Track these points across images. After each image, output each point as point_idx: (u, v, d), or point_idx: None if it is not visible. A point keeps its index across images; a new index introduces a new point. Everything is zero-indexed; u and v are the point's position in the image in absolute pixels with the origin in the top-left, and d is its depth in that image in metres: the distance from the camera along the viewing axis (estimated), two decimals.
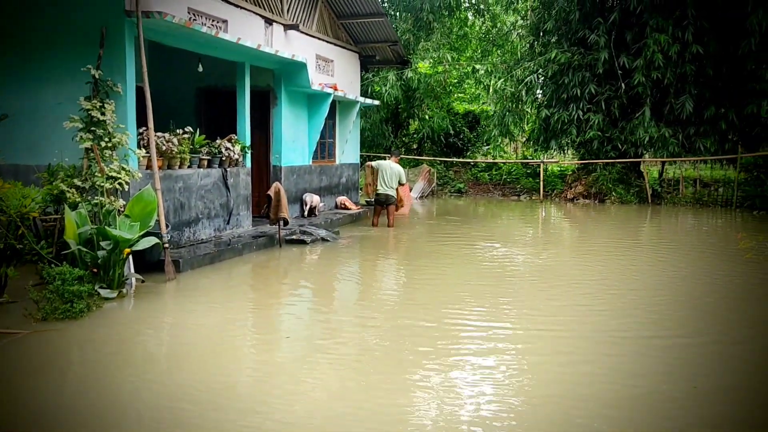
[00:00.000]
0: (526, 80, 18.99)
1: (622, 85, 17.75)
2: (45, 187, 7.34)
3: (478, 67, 22.14)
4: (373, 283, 8.19)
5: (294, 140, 12.22)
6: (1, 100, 8.43)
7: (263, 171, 11.94)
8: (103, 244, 6.59)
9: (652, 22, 17.24)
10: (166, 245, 7.67)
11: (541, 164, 20.56)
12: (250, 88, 10.60)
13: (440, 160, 23.76)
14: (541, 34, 20.04)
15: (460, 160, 24.32)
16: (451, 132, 25.39)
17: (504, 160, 24.02)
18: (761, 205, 15.95)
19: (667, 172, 20.01)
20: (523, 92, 20.33)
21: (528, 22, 20.97)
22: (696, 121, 17.83)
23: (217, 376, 4.44)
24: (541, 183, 20.05)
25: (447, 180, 23.09)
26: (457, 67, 22.81)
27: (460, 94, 27.99)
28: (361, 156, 16.22)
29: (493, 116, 21.67)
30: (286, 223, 10.11)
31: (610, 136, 18.72)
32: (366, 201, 13.26)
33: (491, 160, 23.82)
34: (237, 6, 10.22)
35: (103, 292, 6.49)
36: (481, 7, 24.81)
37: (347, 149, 14.83)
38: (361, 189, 15.57)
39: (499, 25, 25.19)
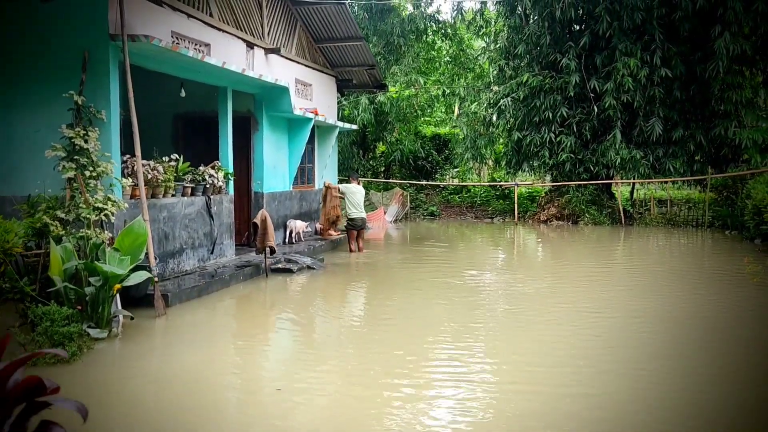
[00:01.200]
0: (500, 104, 19.01)
1: (595, 108, 17.94)
2: (26, 220, 6.90)
3: (447, 90, 22.20)
4: (361, 320, 7.80)
5: (275, 166, 11.93)
6: None
7: (243, 198, 11.59)
8: (92, 280, 6.19)
9: (621, 46, 17.54)
10: (156, 279, 7.28)
11: (515, 187, 20.58)
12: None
13: (412, 183, 23.65)
14: (512, 57, 20.18)
15: (432, 183, 24.27)
16: (421, 155, 25.38)
17: (476, 183, 24.06)
18: (733, 225, 16.21)
19: (638, 192, 20.29)
20: (494, 115, 20.44)
21: (499, 45, 21.09)
22: (664, 143, 18.14)
23: None
24: (515, 205, 20.08)
25: (419, 203, 23.01)
26: (427, 90, 22.82)
27: (426, 118, 28.06)
28: (339, 180, 15.94)
29: (464, 139, 21.68)
30: (273, 251, 9.78)
31: (582, 158, 18.90)
32: (345, 225, 12.77)
33: (463, 183, 23.82)
34: (220, 30, 9.95)
35: (93, 332, 6.08)
36: (449, 31, 24.94)
37: (326, 174, 14.57)
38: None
39: (466, 49, 25.37)
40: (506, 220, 20.81)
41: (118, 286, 6.34)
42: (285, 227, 12.35)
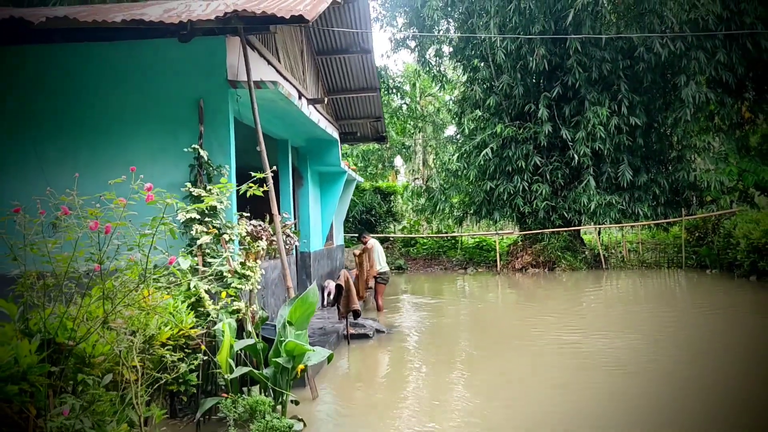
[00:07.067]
0: (482, 154, 18.99)
1: (575, 155, 18.32)
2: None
3: (408, 143, 22.14)
4: (490, 395, 7.28)
5: (315, 223, 11.14)
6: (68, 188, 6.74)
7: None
8: (280, 360, 5.26)
9: (590, 96, 18.24)
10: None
11: (496, 237, 20.64)
12: (274, 168, 9.50)
13: (397, 236, 23.21)
14: (480, 108, 20.33)
15: (403, 235, 23.98)
16: (365, 208, 25.22)
17: (465, 234, 24.06)
18: (712, 264, 16.95)
19: (612, 237, 20.94)
20: (465, 165, 20.48)
21: (463, 96, 21.30)
22: (629, 188, 18.83)
23: None
24: (497, 255, 20.04)
25: None
26: (394, 144, 22.64)
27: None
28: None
29: (433, 191, 21.61)
30: (356, 315, 8.99)
31: (555, 205, 19.25)
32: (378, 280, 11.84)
33: (452, 234, 23.78)
34: (284, 77, 9.24)
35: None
36: (398, 86, 25.08)
37: (341, 230, 13.86)
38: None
39: (418, 103, 25.58)
40: (479, 270, 20.67)
41: (302, 366, 5.44)
42: (323, 289, 11.46)
